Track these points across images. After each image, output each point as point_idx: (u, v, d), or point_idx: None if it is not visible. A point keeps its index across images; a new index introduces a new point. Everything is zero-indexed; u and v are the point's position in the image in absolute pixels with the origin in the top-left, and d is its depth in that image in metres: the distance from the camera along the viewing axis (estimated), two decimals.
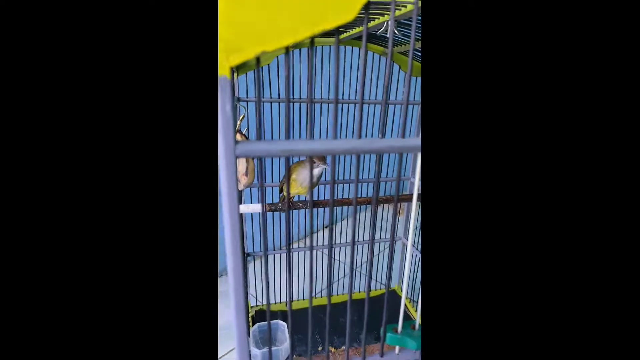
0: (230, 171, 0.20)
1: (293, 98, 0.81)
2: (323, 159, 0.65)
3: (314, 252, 1.18)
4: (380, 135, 0.24)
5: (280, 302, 1.06)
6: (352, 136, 0.23)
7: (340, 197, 0.76)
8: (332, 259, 1.49)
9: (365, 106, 0.96)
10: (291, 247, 1.24)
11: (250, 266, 1.22)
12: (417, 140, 0.23)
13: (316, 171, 0.67)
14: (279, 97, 0.79)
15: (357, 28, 0.58)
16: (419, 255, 0.98)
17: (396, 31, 0.46)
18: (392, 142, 0.23)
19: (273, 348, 0.58)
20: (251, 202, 0.74)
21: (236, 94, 0.74)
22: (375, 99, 0.87)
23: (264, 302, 1.11)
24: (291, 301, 0.26)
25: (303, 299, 1.07)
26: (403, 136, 0.23)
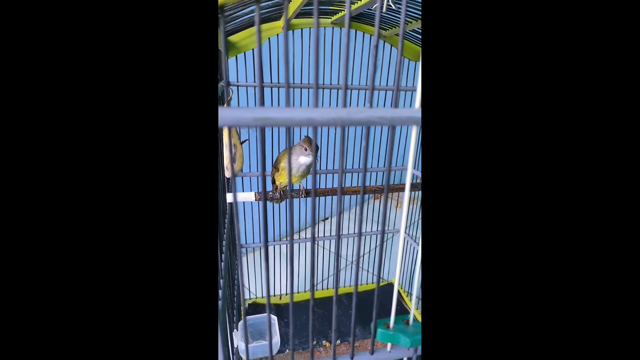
0: None
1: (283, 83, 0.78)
2: (312, 147, 0.60)
3: (296, 245, 1.15)
4: (368, 105, 0.20)
5: (274, 295, 1.04)
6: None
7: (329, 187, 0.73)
8: (331, 253, 1.47)
9: (360, 96, 0.92)
10: (288, 239, 1.22)
11: (244, 259, 1.20)
12: (414, 112, 0.20)
13: (305, 159, 0.63)
14: (272, 82, 0.75)
15: (352, 6, 0.54)
16: (417, 248, 0.95)
17: (393, 5, 0.43)
18: (383, 112, 0.20)
19: (262, 343, 0.56)
20: (243, 191, 0.71)
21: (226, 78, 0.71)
22: (366, 85, 0.82)
23: (257, 295, 1.09)
24: (269, 296, 0.24)
25: (298, 292, 1.05)
26: (396, 106, 0.20)
